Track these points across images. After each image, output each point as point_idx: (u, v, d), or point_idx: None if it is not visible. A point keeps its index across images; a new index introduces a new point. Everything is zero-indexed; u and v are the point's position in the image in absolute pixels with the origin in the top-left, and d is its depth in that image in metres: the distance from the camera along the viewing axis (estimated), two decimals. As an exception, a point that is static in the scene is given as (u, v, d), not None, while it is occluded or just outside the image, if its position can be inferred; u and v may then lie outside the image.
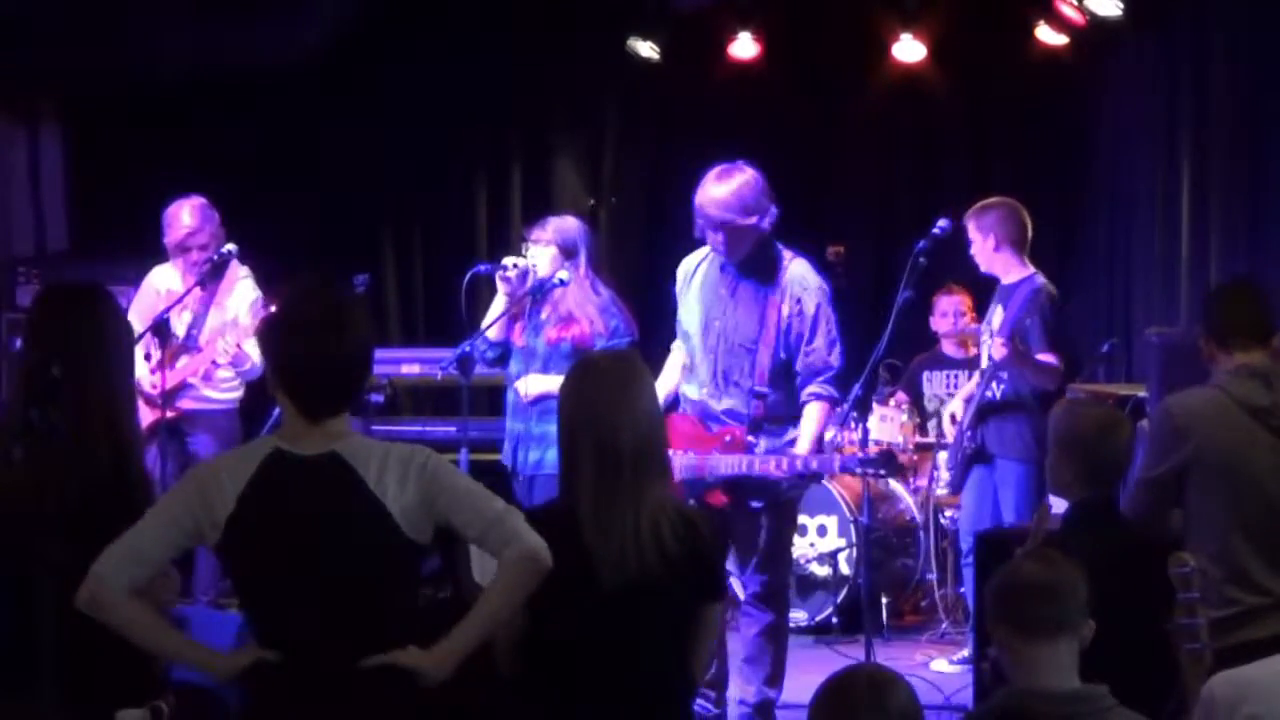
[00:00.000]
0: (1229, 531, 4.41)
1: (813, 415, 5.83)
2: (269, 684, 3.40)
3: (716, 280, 5.93)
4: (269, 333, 3.55)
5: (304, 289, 3.66)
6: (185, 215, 7.17)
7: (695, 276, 6.00)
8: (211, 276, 7.13)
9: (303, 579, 3.38)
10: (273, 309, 6.96)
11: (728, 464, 5.76)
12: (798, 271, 5.88)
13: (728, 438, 5.80)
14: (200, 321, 7.14)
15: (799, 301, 5.82)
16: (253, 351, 7.11)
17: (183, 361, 7.06)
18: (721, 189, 5.77)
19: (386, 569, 3.41)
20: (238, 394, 7.31)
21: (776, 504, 5.89)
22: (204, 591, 7.16)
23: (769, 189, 5.84)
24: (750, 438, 5.80)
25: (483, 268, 6.60)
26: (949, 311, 8.37)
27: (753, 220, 5.77)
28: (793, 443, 5.82)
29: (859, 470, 5.90)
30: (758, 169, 5.88)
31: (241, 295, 7.22)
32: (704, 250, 6.01)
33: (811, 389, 5.82)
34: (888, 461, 5.96)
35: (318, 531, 3.38)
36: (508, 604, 3.46)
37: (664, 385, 5.85)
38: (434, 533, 3.47)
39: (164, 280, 7.25)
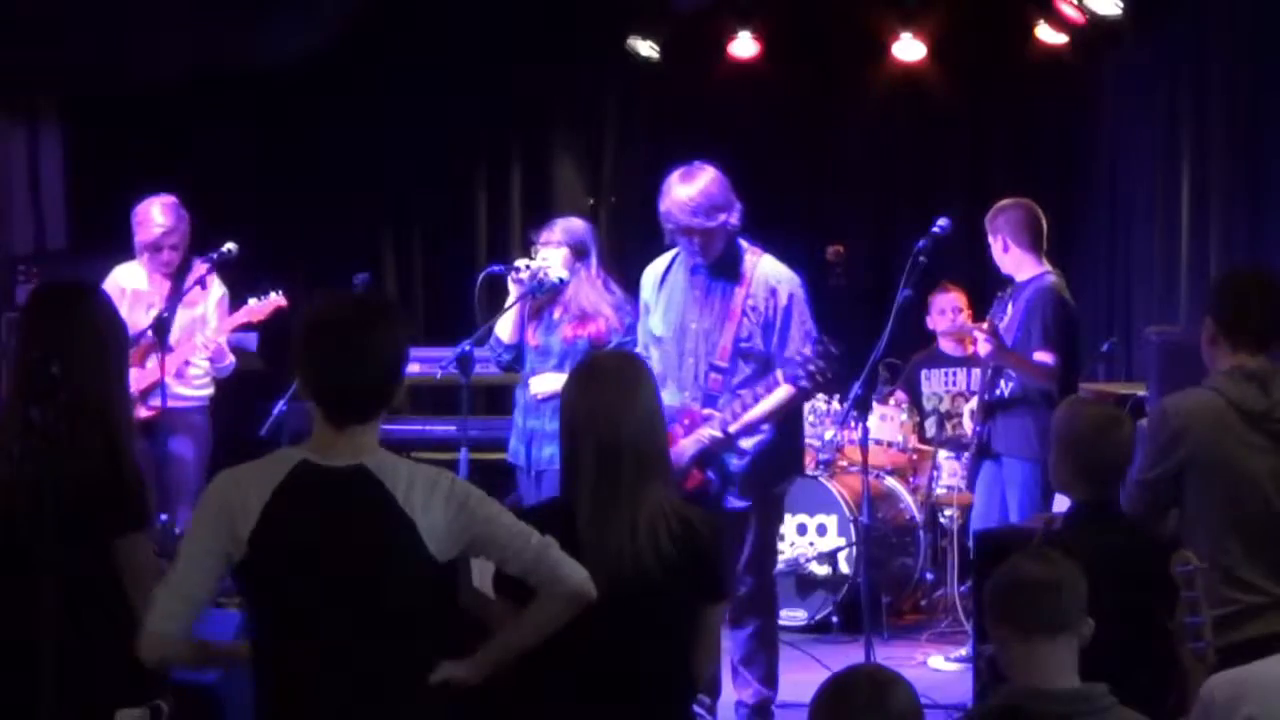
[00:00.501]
0: (1224, 533, 4.40)
1: (775, 395, 5.78)
2: (289, 696, 3.37)
3: (688, 283, 5.90)
4: (297, 338, 3.51)
5: (333, 295, 3.62)
6: (158, 214, 7.09)
7: (666, 281, 5.97)
8: (212, 273, 7.09)
9: (327, 591, 3.33)
10: (251, 302, 7.01)
11: (694, 441, 5.76)
12: (768, 268, 5.84)
13: (686, 421, 5.79)
14: (169, 321, 7.07)
15: (773, 294, 5.79)
16: (228, 348, 7.11)
17: (152, 361, 7.00)
18: (689, 190, 5.75)
19: (412, 584, 3.37)
20: (209, 391, 7.27)
21: (764, 500, 5.87)
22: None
23: (731, 186, 5.83)
24: (707, 411, 5.79)
25: (496, 268, 6.53)
26: (946, 309, 8.37)
27: (722, 219, 5.76)
28: (774, 438, 5.81)
29: (810, 369, 5.69)
30: (718, 167, 5.85)
31: (210, 294, 7.15)
32: (670, 254, 5.99)
33: (782, 374, 5.79)
34: (825, 355, 5.73)
35: (344, 544, 3.33)
36: (545, 631, 3.46)
37: None
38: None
39: (129, 279, 7.14)
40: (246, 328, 7.25)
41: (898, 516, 8.24)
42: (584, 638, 3.61)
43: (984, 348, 6.60)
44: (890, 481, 8.28)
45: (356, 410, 3.37)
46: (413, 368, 8.12)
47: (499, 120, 9.71)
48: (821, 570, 7.96)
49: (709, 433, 5.77)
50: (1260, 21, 7.91)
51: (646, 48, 9.36)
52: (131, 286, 7.12)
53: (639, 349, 6.05)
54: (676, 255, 5.95)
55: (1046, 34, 8.96)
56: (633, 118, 9.90)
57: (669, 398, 5.87)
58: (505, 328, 6.35)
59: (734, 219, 5.79)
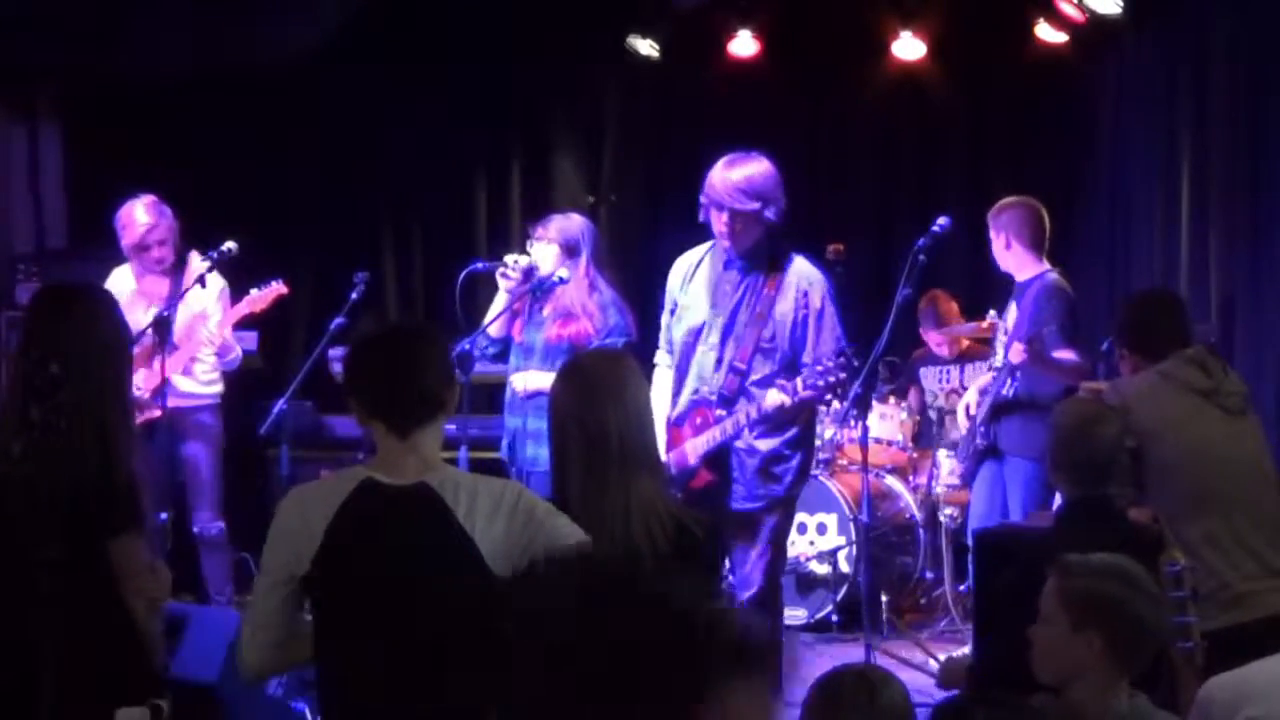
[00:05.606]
0: (1180, 500, 4.50)
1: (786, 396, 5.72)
2: (348, 711, 3.40)
3: (719, 276, 5.88)
4: (348, 365, 3.54)
5: (374, 324, 3.67)
6: (140, 214, 7.07)
7: (697, 272, 5.95)
8: (212, 271, 7.06)
9: (391, 611, 3.36)
10: (252, 292, 6.98)
11: (704, 441, 5.73)
12: (801, 269, 5.83)
13: (698, 420, 5.77)
14: (171, 319, 7.05)
15: (805, 295, 5.77)
16: (235, 341, 7.09)
17: (158, 361, 6.98)
18: (734, 172, 5.73)
19: (471, 602, 3.35)
20: (218, 388, 7.29)
21: (778, 502, 5.85)
22: (219, 591, 7.14)
23: (781, 183, 5.82)
24: (720, 412, 5.74)
25: (480, 265, 6.59)
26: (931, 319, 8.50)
27: (756, 206, 5.73)
28: (791, 440, 5.80)
29: (830, 380, 5.59)
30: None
31: (210, 288, 7.07)
32: (702, 247, 5.98)
33: (802, 381, 5.74)
34: (847, 366, 5.68)
35: (406, 563, 3.35)
36: None
37: (658, 406, 5.67)
38: None
39: (121, 283, 7.07)
40: (250, 319, 7.23)
41: (897, 515, 8.25)
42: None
43: (1018, 356, 6.53)
44: (890, 480, 8.29)
45: (415, 415, 3.40)
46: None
47: (499, 120, 9.71)
48: (821, 569, 7.97)
49: (729, 424, 5.67)
50: (1260, 21, 7.90)
51: (646, 46, 9.37)
52: (124, 290, 7.08)
53: (661, 343, 6.03)
54: (709, 249, 5.93)
55: (1046, 33, 8.95)
56: (633, 117, 9.90)
57: (685, 393, 5.85)
58: (495, 324, 6.36)
59: (771, 212, 5.74)
